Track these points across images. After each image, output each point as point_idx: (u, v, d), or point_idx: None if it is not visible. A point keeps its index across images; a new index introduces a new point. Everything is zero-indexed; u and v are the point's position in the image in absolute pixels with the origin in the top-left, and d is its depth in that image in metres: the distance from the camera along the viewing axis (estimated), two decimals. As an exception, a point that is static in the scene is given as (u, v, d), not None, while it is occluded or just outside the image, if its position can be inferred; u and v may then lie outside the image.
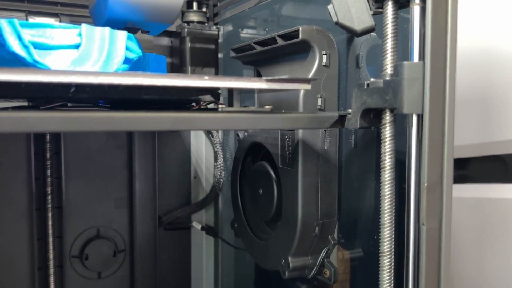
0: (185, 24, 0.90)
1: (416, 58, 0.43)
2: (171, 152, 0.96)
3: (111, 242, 0.89)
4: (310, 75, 0.57)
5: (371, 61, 0.57)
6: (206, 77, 0.42)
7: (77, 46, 0.49)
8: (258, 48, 0.65)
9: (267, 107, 0.59)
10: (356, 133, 0.58)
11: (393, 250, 0.46)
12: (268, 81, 0.45)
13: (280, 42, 0.60)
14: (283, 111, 0.59)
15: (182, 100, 0.61)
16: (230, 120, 0.45)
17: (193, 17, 0.90)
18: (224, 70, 0.92)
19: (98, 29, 0.51)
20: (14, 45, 0.44)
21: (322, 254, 0.61)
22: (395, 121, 0.45)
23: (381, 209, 0.45)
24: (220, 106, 0.55)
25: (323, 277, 0.61)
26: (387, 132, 0.45)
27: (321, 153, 0.59)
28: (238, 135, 0.77)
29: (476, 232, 0.79)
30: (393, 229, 0.45)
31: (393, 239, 0.45)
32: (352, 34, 0.56)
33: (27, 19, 0.79)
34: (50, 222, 0.83)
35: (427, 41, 0.41)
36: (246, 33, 0.85)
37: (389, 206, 0.45)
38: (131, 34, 0.55)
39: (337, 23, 0.51)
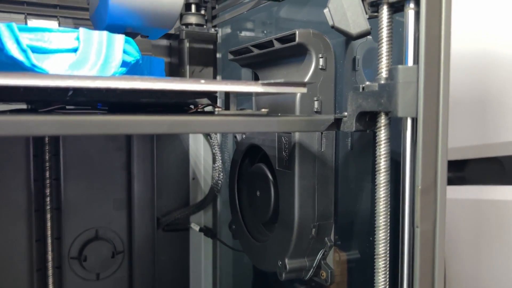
0: (184, 27, 0.90)
1: (410, 62, 0.43)
2: (169, 153, 0.96)
3: (109, 243, 0.89)
4: (307, 78, 0.58)
5: (368, 64, 0.57)
6: (203, 81, 0.43)
7: (75, 50, 0.50)
8: (255, 51, 0.65)
9: (263, 110, 0.59)
10: (352, 135, 0.58)
11: (388, 252, 0.46)
12: (264, 84, 0.45)
13: (277, 45, 0.61)
14: (279, 114, 0.60)
15: (179, 103, 0.62)
16: (226, 123, 0.46)
17: (192, 19, 0.91)
18: (222, 71, 0.93)
19: (96, 33, 0.51)
20: (12, 49, 0.45)
21: (319, 255, 0.61)
22: (390, 124, 0.45)
23: (376, 212, 0.46)
24: (217, 109, 0.55)
25: (319, 279, 0.62)
26: (382, 135, 0.45)
27: (317, 155, 0.59)
28: (236, 137, 0.77)
29: (473, 234, 0.79)
30: (388, 231, 0.46)
31: (388, 241, 0.46)
32: (348, 38, 0.56)
33: (26, 22, 0.79)
34: (49, 224, 0.84)
35: (421, 45, 0.41)
36: (244, 35, 0.86)
37: (384, 209, 0.45)
38: (129, 38, 0.55)
39: (333, 27, 0.51)
